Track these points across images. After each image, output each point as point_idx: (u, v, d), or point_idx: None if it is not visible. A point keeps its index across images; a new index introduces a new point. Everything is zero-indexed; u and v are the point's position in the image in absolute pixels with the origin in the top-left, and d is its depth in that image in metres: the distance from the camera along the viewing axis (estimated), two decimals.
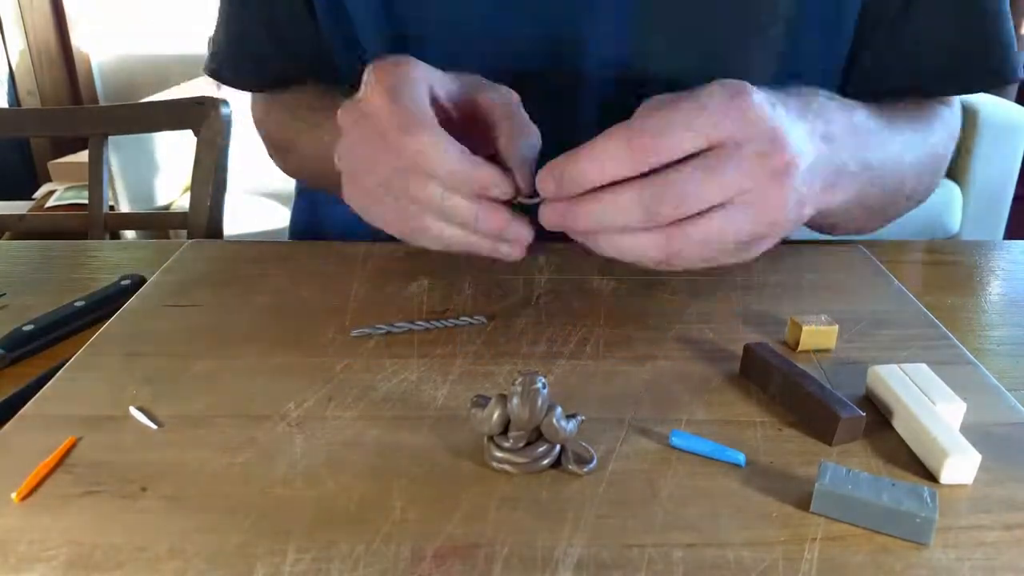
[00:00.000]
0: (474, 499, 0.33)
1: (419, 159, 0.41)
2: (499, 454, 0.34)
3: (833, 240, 0.64)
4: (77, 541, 0.30)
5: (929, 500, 0.30)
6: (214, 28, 0.68)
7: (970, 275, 0.58)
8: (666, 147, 0.38)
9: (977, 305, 0.53)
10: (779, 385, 0.39)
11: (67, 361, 0.43)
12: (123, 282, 0.53)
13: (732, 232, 0.40)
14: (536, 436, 0.34)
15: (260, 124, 0.72)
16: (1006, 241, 0.65)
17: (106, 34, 2.87)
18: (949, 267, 0.59)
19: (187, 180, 2.15)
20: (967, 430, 0.35)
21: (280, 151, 0.70)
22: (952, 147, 0.64)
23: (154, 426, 0.37)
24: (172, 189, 2.19)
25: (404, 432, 0.37)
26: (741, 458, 0.35)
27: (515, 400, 0.33)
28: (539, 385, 0.34)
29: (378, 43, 0.61)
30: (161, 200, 2.15)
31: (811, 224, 0.51)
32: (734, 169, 0.38)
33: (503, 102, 0.45)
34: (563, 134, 0.59)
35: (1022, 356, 0.46)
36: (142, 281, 0.53)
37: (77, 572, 0.29)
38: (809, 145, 0.41)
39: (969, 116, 2.16)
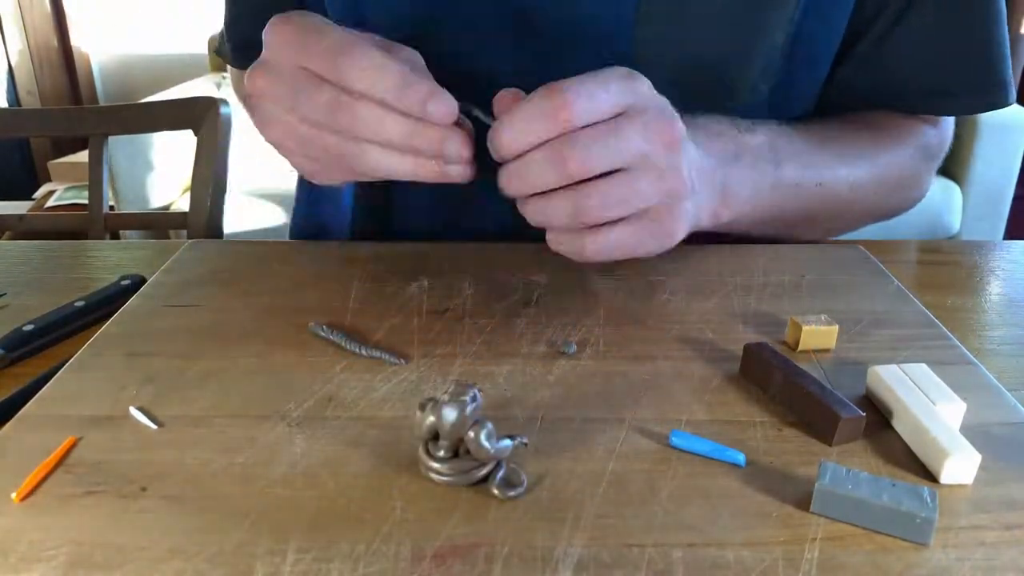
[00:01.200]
0: (474, 499, 0.33)
1: (356, 78, 0.41)
2: (428, 462, 0.33)
3: (833, 240, 0.64)
4: (77, 541, 0.30)
5: (929, 500, 0.30)
6: (225, 21, 0.72)
7: (970, 275, 0.58)
8: (584, 106, 0.40)
9: (977, 305, 0.53)
10: (779, 385, 0.39)
11: (67, 361, 0.43)
12: (123, 282, 0.53)
13: (636, 195, 0.42)
14: (465, 450, 0.33)
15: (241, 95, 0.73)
16: (1006, 241, 0.65)
17: (106, 34, 2.87)
18: (949, 267, 0.59)
19: (187, 180, 2.15)
20: (967, 430, 0.35)
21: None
22: (931, 164, 0.64)
23: (154, 426, 0.37)
24: (172, 189, 2.19)
25: (404, 432, 0.37)
26: (741, 458, 0.35)
27: (443, 409, 0.33)
28: (468, 397, 0.33)
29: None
30: (161, 200, 2.15)
31: (721, 228, 0.53)
32: (636, 133, 0.41)
33: (409, 60, 0.46)
34: None
35: (1022, 356, 0.46)
36: (142, 281, 0.53)
37: (77, 572, 0.29)
38: (693, 145, 0.45)
39: (969, 116, 2.16)
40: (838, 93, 0.62)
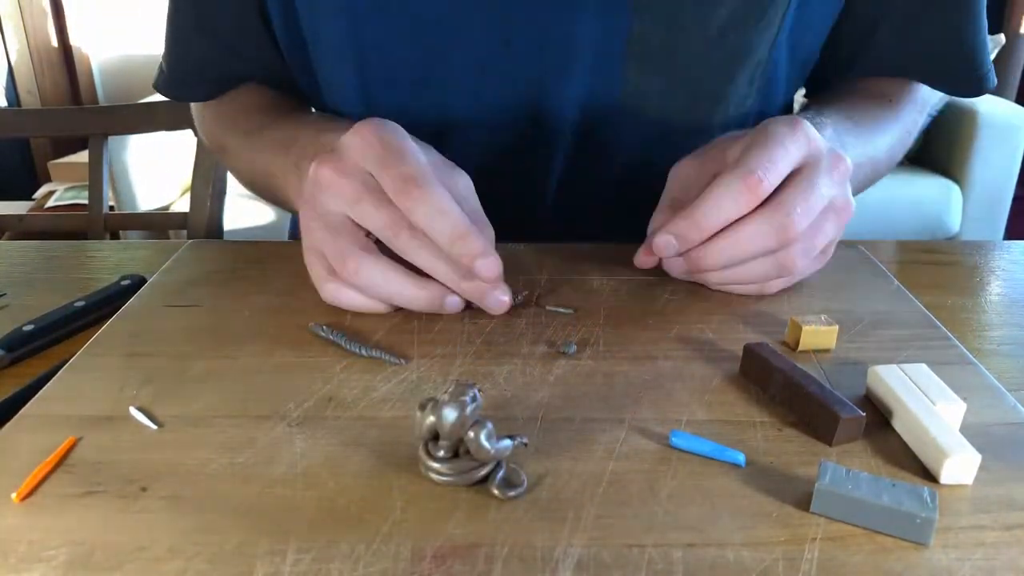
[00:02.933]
0: (474, 499, 0.33)
1: (422, 214, 0.43)
2: (428, 462, 0.33)
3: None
4: (77, 541, 0.30)
5: (929, 500, 0.30)
6: (163, 52, 0.68)
7: (970, 275, 0.58)
8: (774, 179, 0.45)
9: (977, 305, 0.53)
10: (779, 385, 0.39)
11: (67, 361, 0.43)
12: (123, 282, 0.53)
13: (829, 235, 0.48)
14: (465, 450, 0.33)
15: (202, 131, 0.73)
16: (1006, 241, 0.65)
17: (106, 34, 2.87)
18: (949, 267, 0.59)
19: (187, 181, 2.15)
20: (967, 430, 0.35)
21: (220, 152, 0.72)
22: (921, 117, 0.68)
23: (154, 426, 0.37)
24: (172, 189, 2.19)
25: (404, 432, 0.37)
26: (741, 458, 0.35)
27: (443, 409, 0.32)
28: (467, 397, 0.32)
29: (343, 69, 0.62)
30: (161, 201, 2.15)
31: None
32: (824, 181, 0.46)
33: (464, 189, 0.48)
34: (535, 183, 0.63)
35: (1022, 356, 0.46)
36: (142, 281, 0.53)
37: (77, 572, 0.29)
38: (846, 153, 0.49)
39: (969, 116, 2.16)
40: (826, 75, 0.67)
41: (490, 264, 0.44)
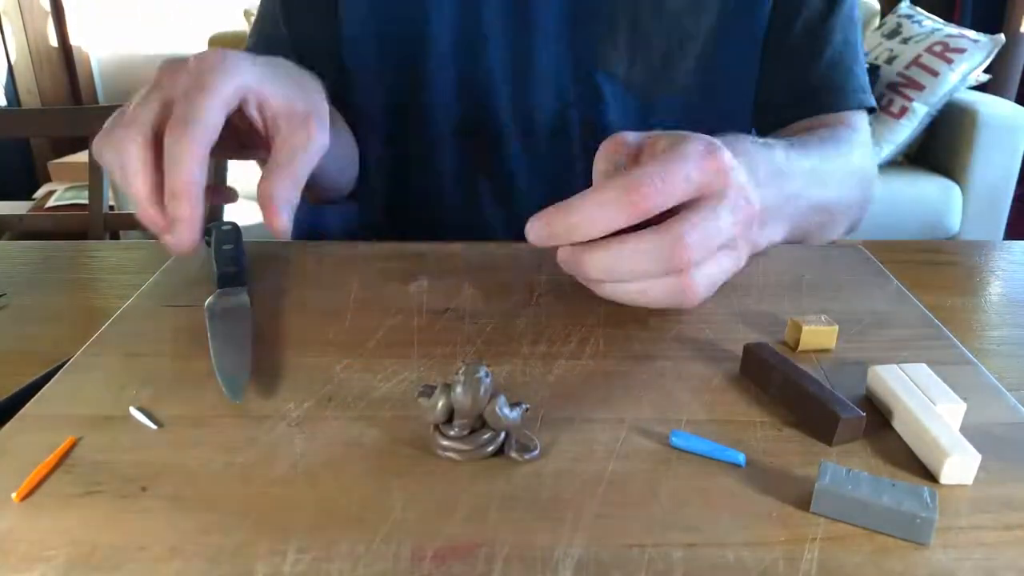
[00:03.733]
0: (474, 499, 0.33)
1: (170, 148, 0.42)
2: (444, 442, 0.35)
3: (833, 240, 0.65)
4: (77, 541, 0.30)
5: (929, 500, 0.30)
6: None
7: (970, 275, 0.58)
8: (662, 200, 0.41)
9: (977, 305, 0.53)
10: (779, 385, 0.39)
11: (67, 361, 0.43)
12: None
13: (725, 272, 0.45)
14: (480, 424, 0.35)
15: None
16: (1006, 241, 0.65)
17: (106, 34, 2.87)
18: (949, 267, 0.59)
19: None
20: (967, 430, 0.35)
21: None
22: (871, 160, 0.71)
23: (154, 426, 0.37)
24: None
25: (404, 432, 0.37)
26: (741, 458, 0.35)
27: (458, 389, 0.34)
28: (481, 374, 0.34)
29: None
30: None
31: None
32: (727, 216, 0.42)
33: (296, 110, 0.47)
34: (499, 176, 0.67)
35: (1022, 356, 0.46)
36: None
37: (77, 572, 0.29)
38: (756, 194, 0.46)
39: (969, 116, 2.16)
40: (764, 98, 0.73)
41: (176, 240, 0.42)
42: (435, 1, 0.68)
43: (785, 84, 0.71)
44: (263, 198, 0.44)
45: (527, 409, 0.36)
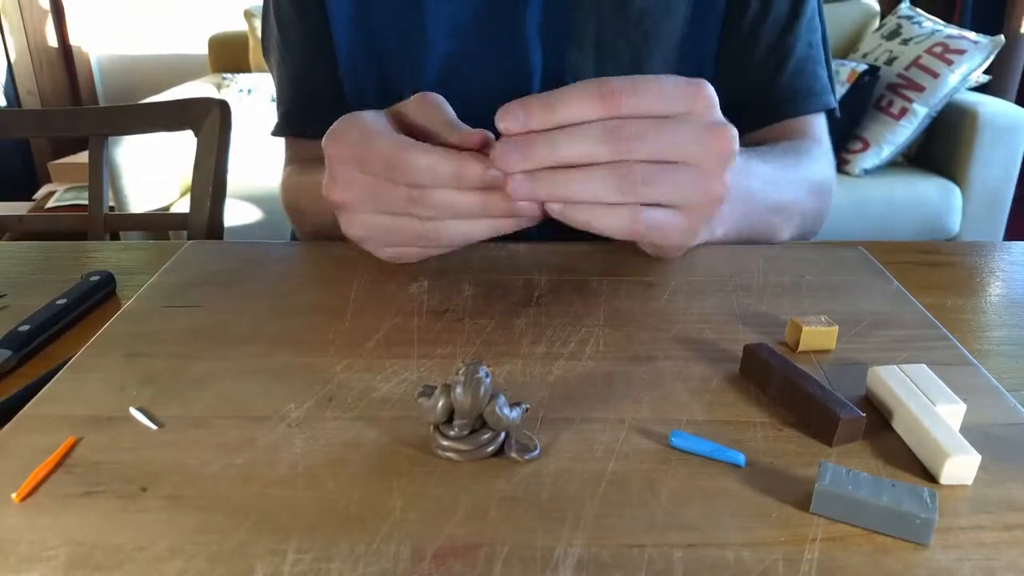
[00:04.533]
0: (474, 499, 0.33)
1: (420, 178, 0.45)
2: (444, 442, 0.35)
3: (833, 240, 0.65)
4: (77, 541, 0.30)
5: (929, 501, 0.30)
6: (277, 98, 0.76)
7: (970, 276, 0.58)
8: (636, 103, 0.42)
9: (977, 306, 0.53)
10: (779, 385, 0.39)
11: (67, 361, 0.43)
12: (92, 278, 0.54)
13: (681, 192, 0.44)
14: (480, 424, 0.35)
15: (285, 198, 0.77)
16: (1006, 242, 0.65)
17: (106, 34, 2.87)
18: (949, 267, 0.59)
19: (187, 181, 2.15)
20: (967, 430, 0.35)
21: (294, 214, 0.75)
22: (830, 170, 0.72)
23: (154, 426, 0.37)
24: (172, 189, 2.19)
25: (404, 432, 0.37)
26: (741, 458, 0.35)
27: (458, 389, 0.34)
28: (481, 374, 0.34)
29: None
30: (160, 201, 2.15)
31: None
32: (692, 133, 0.43)
33: (439, 110, 0.49)
34: None
35: (1022, 356, 0.46)
36: (110, 277, 0.54)
37: (77, 572, 0.29)
38: (741, 160, 0.47)
39: (969, 116, 2.16)
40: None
41: (501, 159, 0.43)
42: (431, 19, 0.68)
43: (747, 91, 0.70)
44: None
45: (527, 409, 0.36)
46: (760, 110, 0.71)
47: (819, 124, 0.73)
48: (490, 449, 0.35)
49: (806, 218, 0.67)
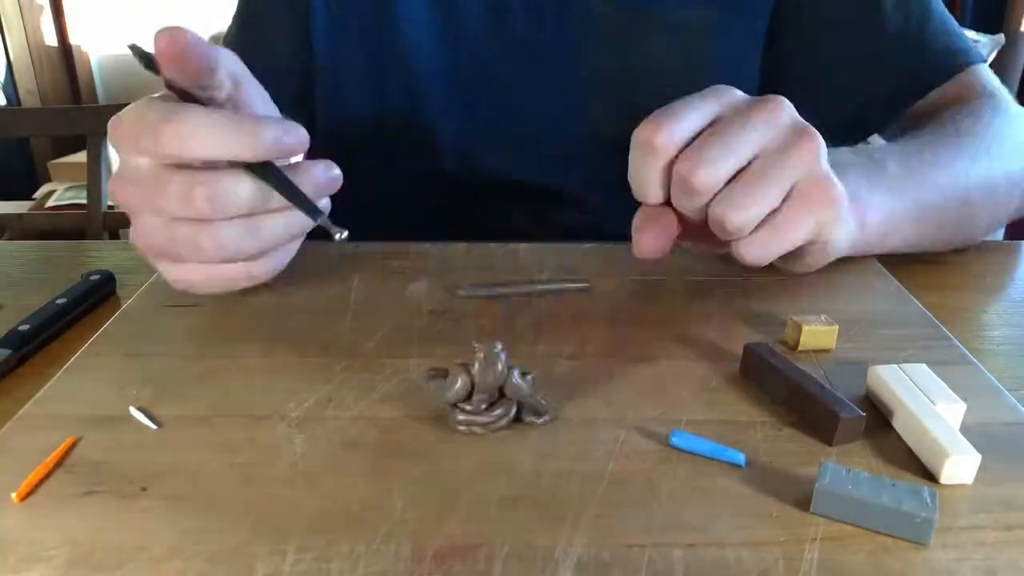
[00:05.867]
0: (474, 499, 0.33)
1: (180, 144, 0.38)
2: (463, 417, 0.36)
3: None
4: (77, 541, 0.30)
5: (929, 500, 0.30)
6: None
7: (970, 275, 0.58)
8: (675, 129, 0.41)
9: (977, 305, 0.53)
10: (779, 385, 0.39)
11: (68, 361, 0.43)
12: (92, 278, 0.53)
13: (769, 201, 0.42)
14: (496, 397, 0.37)
15: None
16: (1007, 241, 0.65)
17: (106, 33, 2.87)
18: (949, 267, 0.59)
19: None
20: (967, 430, 0.35)
21: None
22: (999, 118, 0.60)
23: (154, 426, 0.37)
24: None
25: (404, 432, 0.37)
26: (741, 458, 0.35)
27: (477, 366, 0.36)
28: (498, 349, 0.36)
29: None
30: None
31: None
32: (739, 124, 0.41)
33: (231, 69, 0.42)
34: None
35: (1022, 356, 0.46)
36: (110, 277, 0.54)
37: (77, 572, 0.29)
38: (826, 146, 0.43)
39: None
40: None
41: (295, 133, 0.39)
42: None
43: (871, 78, 0.64)
44: None
45: (534, 377, 0.37)
46: (900, 91, 0.64)
47: (976, 77, 0.63)
48: (506, 419, 0.36)
49: (1009, 189, 0.58)
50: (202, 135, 0.37)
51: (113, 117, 0.40)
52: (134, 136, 0.39)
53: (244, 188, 0.40)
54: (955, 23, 0.64)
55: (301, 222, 0.43)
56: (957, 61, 0.63)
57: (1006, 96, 0.63)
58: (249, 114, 0.39)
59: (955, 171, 0.55)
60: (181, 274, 0.44)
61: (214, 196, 0.39)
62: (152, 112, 0.38)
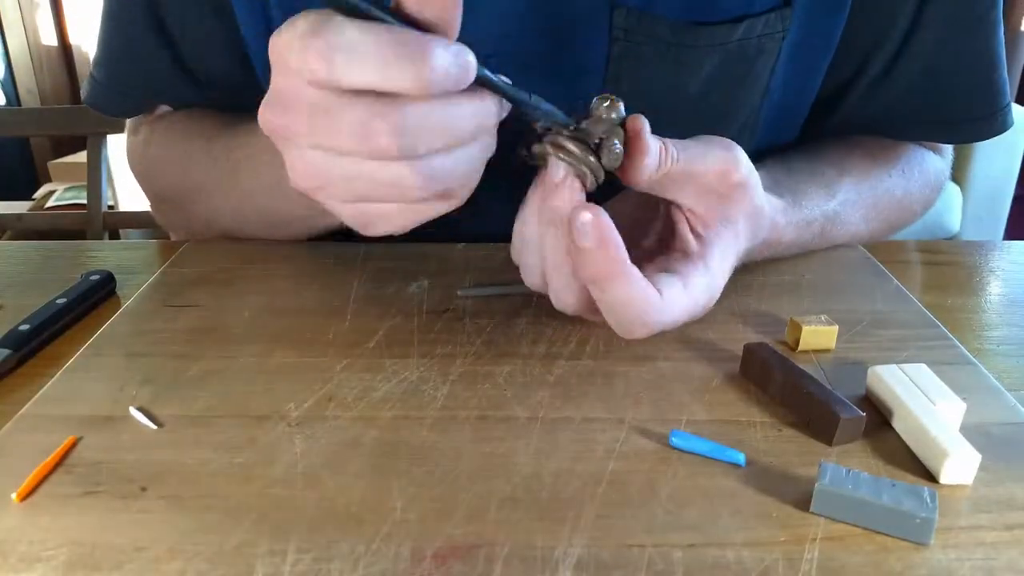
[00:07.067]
0: (474, 499, 0.33)
1: (328, 66, 0.30)
2: (582, 154, 0.37)
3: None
4: (77, 541, 0.30)
5: (929, 500, 0.30)
6: (96, 56, 0.60)
7: (970, 275, 0.58)
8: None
9: (977, 305, 0.53)
10: (779, 385, 0.39)
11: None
12: (92, 277, 0.53)
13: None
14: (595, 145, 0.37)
15: (151, 170, 0.65)
16: (1006, 241, 0.65)
17: None
18: (949, 267, 0.59)
19: None
20: (967, 430, 0.35)
21: (187, 194, 0.61)
22: (930, 195, 0.63)
23: (154, 426, 0.37)
24: None
25: (404, 432, 0.37)
26: (741, 458, 0.35)
27: (595, 115, 0.37)
28: (620, 109, 0.37)
29: None
30: None
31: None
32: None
33: None
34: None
35: (1022, 356, 0.46)
36: (110, 277, 0.54)
37: (77, 572, 0.29)
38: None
39: None
40: (832, 127, 0.61)
41: (462, 54, 0.30)
42: None
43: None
44: None
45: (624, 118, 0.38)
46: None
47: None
48: (591, 158, 0.37)
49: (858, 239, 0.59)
50: (355, 57, 0.30)
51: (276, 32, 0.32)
52: (285, 49, 0.31)
53: (457, 113, 0.32)
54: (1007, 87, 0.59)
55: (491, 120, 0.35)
56: (981, 135, 0.59)
57: (948, 170, 0.65)
58: (415, 34, 0.30)
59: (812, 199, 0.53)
60: (356, 212, 0.36)
61: (403, 130, 0.31)
62: (303, 22, 0.31)
